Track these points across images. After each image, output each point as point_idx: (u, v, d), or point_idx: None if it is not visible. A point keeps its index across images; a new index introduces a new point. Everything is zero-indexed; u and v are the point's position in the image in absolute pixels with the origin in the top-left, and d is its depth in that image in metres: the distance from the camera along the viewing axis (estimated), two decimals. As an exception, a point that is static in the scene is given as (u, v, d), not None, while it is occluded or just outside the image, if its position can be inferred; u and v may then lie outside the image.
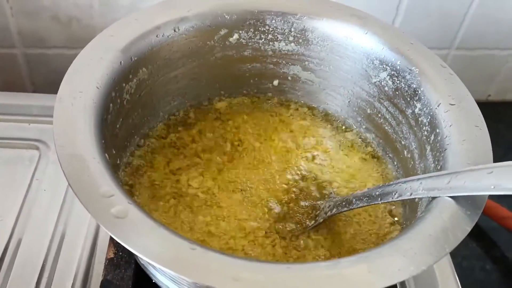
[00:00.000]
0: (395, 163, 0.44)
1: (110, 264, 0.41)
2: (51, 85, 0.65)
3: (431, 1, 0.62)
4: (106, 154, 0.33)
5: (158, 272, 0.37)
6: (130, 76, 0.39)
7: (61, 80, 0.45)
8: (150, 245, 0.28)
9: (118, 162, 0.39)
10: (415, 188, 0.33)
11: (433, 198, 0.32)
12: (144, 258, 0.27)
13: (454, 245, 0.29)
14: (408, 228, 0.30)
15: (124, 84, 0.39)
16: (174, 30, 0.42)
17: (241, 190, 0.42)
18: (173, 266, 0.27)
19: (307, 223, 0.40)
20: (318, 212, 0.41)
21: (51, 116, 0.50)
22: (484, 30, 0.66)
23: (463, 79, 0.40)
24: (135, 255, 0.33)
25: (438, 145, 0.36)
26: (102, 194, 0.29)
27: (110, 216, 0.28)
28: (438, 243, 0.29)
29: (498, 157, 0.35)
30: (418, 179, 0.33)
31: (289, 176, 0.44)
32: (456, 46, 0.68)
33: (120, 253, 0.41)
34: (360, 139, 0.47)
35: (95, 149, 0.32)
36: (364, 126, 0.47)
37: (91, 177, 0.30)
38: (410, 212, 0.39)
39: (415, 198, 0.35)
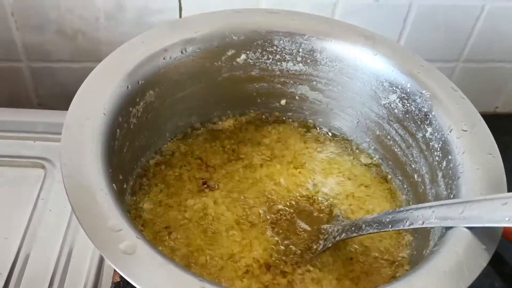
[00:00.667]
0: (405, 186, 0.43)
1: (117, 288, 0.41)
2: (56, 99, 0.65)
3: (439, 14, 0.62)
4: (114, 184, 0.32)
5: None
6: (137, 100, 0.39)
7: (66, 93, 0.44)
8: (159, 282, 0.27)
9: (125, 186, 0.39)
10: (427, 216, 0.33)
11: (447, 227, 0.32)
12: (153, 296, 0.27)
13: (470, 281, 0.28)
14: (422, 263, 0.30)
15: (131, 109, 0.38)
16: (182, 52, 0.41)
17: (244, 210, 0.42)
18: (182, 305, 0.27)
19: (314, 247, 0.40)
20: (326, 236, 0.40)
21: (57, 133, 0.49)
22: (491, 43, 0.66)
23: (470, 91, 0.40)
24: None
25: (450, 172, 0.36)
26: (110, 228, 0.29)
27: (118, 251, 0.28)
28: (453, 279, 0.28)
29: (506, 170, 0.35)
30: (430, 206, 0.33)
31: (294, 198, 0.43)
32: (464, 59, 0.67)
33: (127, 277, 0.41)
34: (368, 161, 0.46)
35: (102, 180, 0.31)
36: (373, 147, 0.46)
37: (99, 210, 0.30)
38: (421, 239, 0.38)
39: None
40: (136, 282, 0.27)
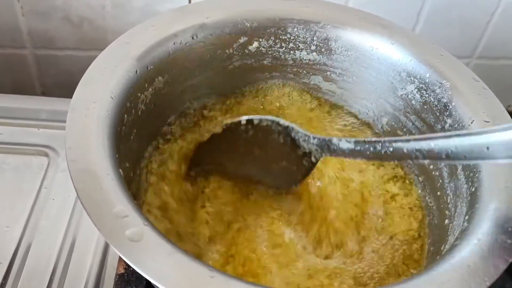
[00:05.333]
0: (420, 179, 0.42)
1: (121, 280, 0.40)
2: (60, 87, 0.64)
3: (453, 9, 0.60)
4: (120, 170, 0.31)
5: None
6: (146, 85, 0.38)
7: (71, 82, 0.43)
8: (167, 271, 0.26)
9: (132, 175, 0.38)
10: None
11: (469, 220, 0.31)
12: (160, 286, 0.25)
13: (495, 277, 0.27)
14: (444, 257, 0.28)
15: (139, 94, 0.37)
16: (192, 38, 0.40)
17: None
18: (191, 296, 0.25)
19: None
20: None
21: (61, 121, 0.48)
22: (506, 39, 0.64)
23: (484, 88, 0.39)
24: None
25: (471, 165, 0.34)
26: (115, 214, 0.28)
27: (124, 238, 0.27)
28: (478, 275, 0.27)
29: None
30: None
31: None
32: (478, 55, 0.66)
33: (131, 269, 0.40)
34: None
35: (108, 165, 0.30)
36: (387, 140, 0.45)
37: (104, 195, 0.28)
38: (438, 235, 0.37)
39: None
40: (143, 271, 0.26)
